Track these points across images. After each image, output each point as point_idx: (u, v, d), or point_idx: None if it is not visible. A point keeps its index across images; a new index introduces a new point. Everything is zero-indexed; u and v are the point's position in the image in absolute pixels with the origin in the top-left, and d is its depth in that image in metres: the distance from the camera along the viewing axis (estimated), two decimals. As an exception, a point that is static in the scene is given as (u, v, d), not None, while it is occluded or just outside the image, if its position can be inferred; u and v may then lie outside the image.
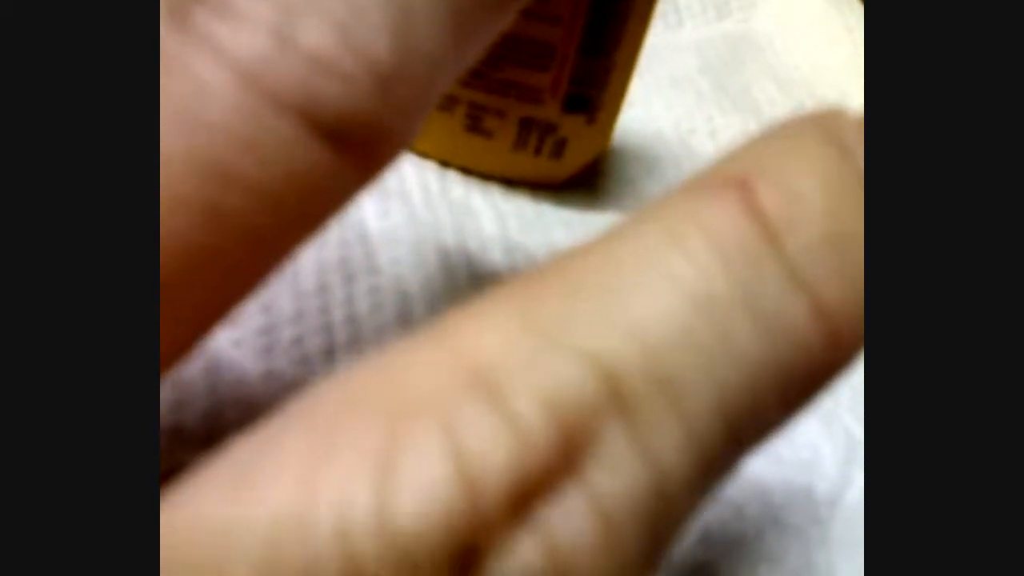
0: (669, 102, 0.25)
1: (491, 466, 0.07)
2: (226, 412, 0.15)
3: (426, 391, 0.07)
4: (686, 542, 0.15)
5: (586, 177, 0.22)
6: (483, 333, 0.08)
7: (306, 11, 0.08)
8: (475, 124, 0.20)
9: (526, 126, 0.20)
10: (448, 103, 0.20)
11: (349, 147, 0.09)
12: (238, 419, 0.15)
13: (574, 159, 0.21)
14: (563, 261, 0.08)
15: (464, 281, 0.18)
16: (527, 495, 0.07)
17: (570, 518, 0.07)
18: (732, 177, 0.09)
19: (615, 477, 0.07)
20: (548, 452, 0.07)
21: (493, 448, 0.07)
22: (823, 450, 0.18)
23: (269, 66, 0.08)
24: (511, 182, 0.21)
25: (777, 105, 0.26)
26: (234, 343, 0.16)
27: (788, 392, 0.08)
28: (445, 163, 0.21)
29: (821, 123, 0.09)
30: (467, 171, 0.21)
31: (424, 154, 0.21)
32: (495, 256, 0.19)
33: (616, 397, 0.07)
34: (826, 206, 0.08)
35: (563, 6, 0.18)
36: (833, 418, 0.19)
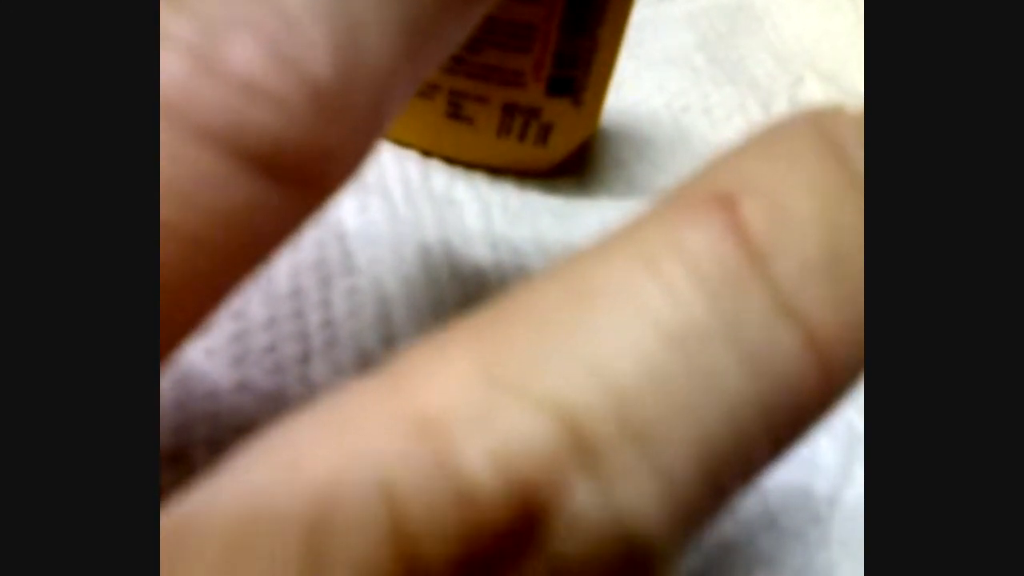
0: (661, 79, 0.24)
1: (433, 536, 0.06)
2: (196, 428, 0.14)
3: (367, 449, 0.06)
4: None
5: (575, 162, 0.21)
6: (435, 379, 0.07)
7: (232, 28, 0.07)
8: (456, 111, 0.19)
9: (509, 112, 0.19)
10: (428, 90, 0.19)
11: (288, 178, 0.08)
12: (208, 435, 0.14)
13: (561, 144, 0.20)
14: (526, 293, 0.07)
15: (446, 280, 0.17)
16: (476, 566, 0.06)
17: None
18: (715, 192, 0.08)
19: (580, 539, 0.07)
20: (500, 515, 0.06)
21: (437, 515, 0.06)
22: (822, 445, 0.17)
23: (189, 93, 0.07)
24: (496, 170, 0.20)
25: (776, 79, 0.25)
26: (206, 353, 0.15)
27: (777, 430, 0.07)
28: (427, 153, 0.20)
29: (815, 125, 0.08)
30: (450, 160, 0.20)
31: (405, 144, 0.20)
32: (479, 251, 0.18)
33: (580, 449, 0.07)
34: (819, 222, 0.08)
35: (543, -16, 0.17)
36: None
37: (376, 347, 0.16)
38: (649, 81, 0.24)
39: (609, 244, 0.08)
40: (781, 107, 0.24)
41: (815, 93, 0.25)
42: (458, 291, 0.17)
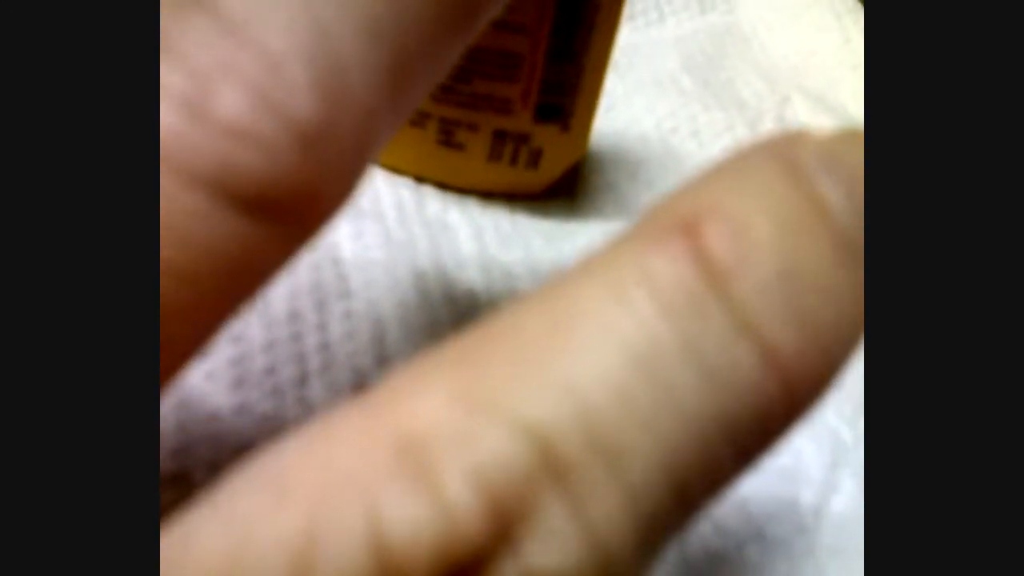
0: (650, 102, 0.24)
1: (415, 552, 0.07)
2: (197, 449, 0.15)
3: (351, 472, 0.07)
4: (663, 564, 0.15)
5: (565, 185, 0.21)
6: (414, 404, 0.07)
7: (219, 76, 0.08)
8: (448, 138, 0.20)
9: (499, 138, 0.19)
10: (419, 118, 0.19)
11: (276, 215, 0.09)
12: (209, 456, 0.15)
13: (551, 168, 0.20)
14: (504, 320, 0.08)
15: (440, 303, 0.18)
16: None
17: None
18: (679, 219, 0.08)
19: (552, 551, 0.07)
20: (478, 531, 0.07)
21: (418, 532, 0.07)
22: (806, 455, 0.18)
23: (180, 140, 0.08)
24: (488, 195, 0.21)
25: (763, 99, 0.25)
26: (206, 376, 0.16)
27: (741, 445, 0.08)
28: (420, 179, 0.21)
29: (776, 151, 0.09)
30: (443, 186, 0.21)
31: (399, 171, 0.21)
32: (472, 275, 0.19)
33: (551, 466, 0.07)
34: (777, 242, 0.08)
35: (528, 14, 0.18)
36: (817, 420, 0.18)
37: (371, 368, 0.16)
38: (638, 104, 0.24)
39: (583, 272, 0.08)
40: (768, 127, 0.25)
41: (802, 112, 0.25)
42: (451, 313, 0.18)
